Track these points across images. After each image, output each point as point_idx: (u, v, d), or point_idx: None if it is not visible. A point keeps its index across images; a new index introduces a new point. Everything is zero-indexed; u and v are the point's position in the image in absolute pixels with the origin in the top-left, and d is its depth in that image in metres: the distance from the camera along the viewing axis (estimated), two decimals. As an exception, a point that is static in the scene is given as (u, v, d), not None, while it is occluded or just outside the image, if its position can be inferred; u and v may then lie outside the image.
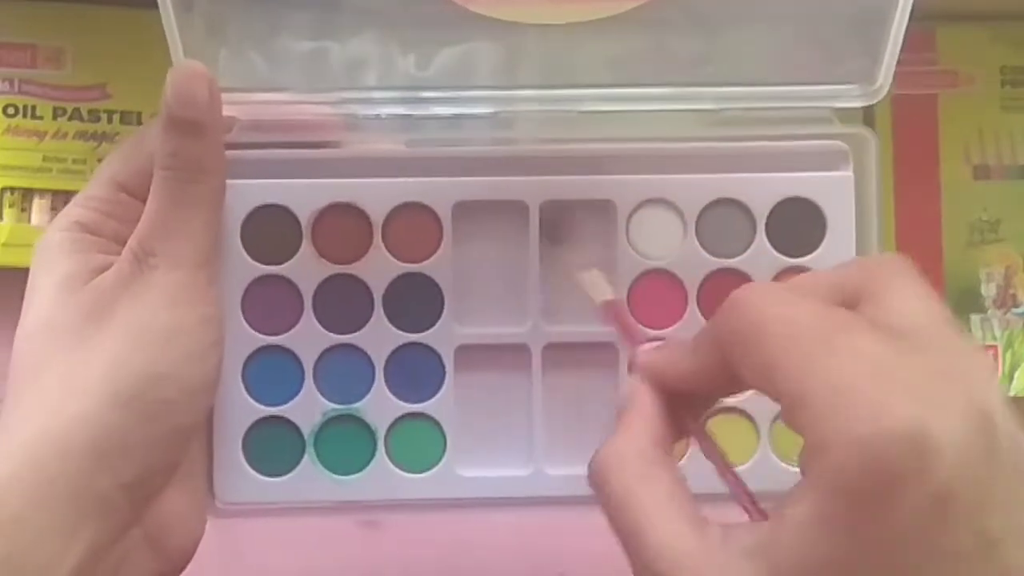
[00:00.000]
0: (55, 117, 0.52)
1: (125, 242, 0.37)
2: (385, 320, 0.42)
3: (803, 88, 0.41)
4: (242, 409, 0.42)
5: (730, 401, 0.41)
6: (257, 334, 0.42)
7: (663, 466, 0.31)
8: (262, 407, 0.42)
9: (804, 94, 0.41)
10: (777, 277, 0.42)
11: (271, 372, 0.42)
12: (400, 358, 0.42)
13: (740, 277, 0.42)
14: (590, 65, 0.41)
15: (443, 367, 0.42)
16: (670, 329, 0.42)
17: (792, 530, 0.27)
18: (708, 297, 0.42)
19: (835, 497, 0.27)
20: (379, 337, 0.42)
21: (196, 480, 0.40)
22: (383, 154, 0.42)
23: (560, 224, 0.42)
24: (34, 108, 0.52)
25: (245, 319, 0.42)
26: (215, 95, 0.38)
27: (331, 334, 0.42)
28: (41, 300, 0.37)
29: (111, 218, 0.39)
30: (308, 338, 0.42)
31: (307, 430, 0.42)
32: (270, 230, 0.42)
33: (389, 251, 0.42)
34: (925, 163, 0.54)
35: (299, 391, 0.42)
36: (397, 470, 0.42)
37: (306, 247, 0.42)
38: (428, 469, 0.42)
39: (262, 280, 0.42)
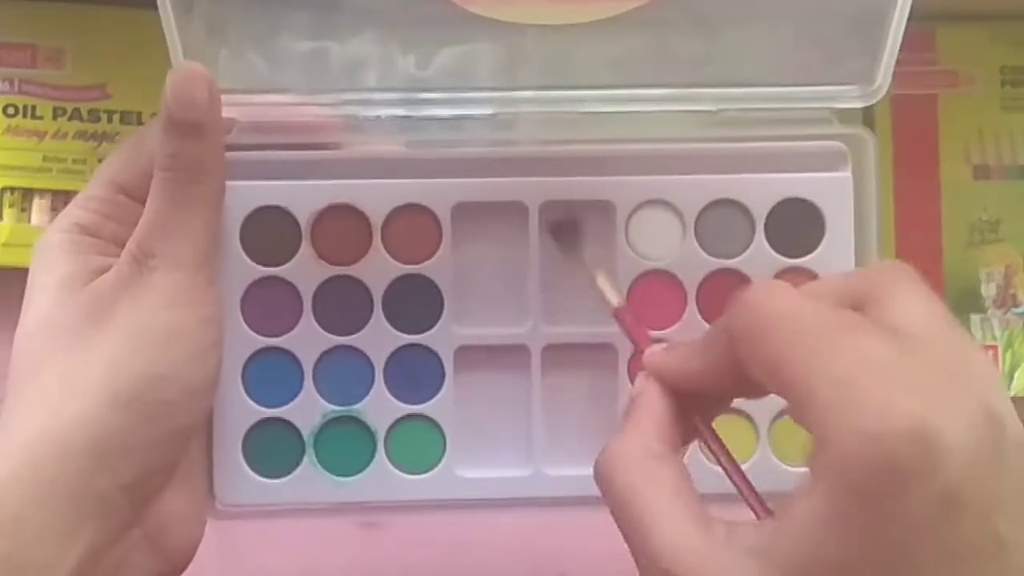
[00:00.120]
0: (55, 117, 0.52)
1: (124, 243, 0.37)
2: (385, 321, 0.42)
3: (802, 89, 0.41)
4: (242, 410, 0.42)
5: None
6: (257, 335, 0.42)
7: (669, 464, 0.32)
8: (262, 408, 0.42)
9: (803, 95, 0.41)
10: (776, 277, 0.42)
11: (271, 373, 0.42)
12: (400, 359, 0.42)
13: (739, 278, 0.42)
14: (590, 66, 0.41)
15: (443, 368, 0.42)
16: (670, 330, 0.42)
17: (798, 528, 0.27)
18: (707, 298, 0.42)
19: (842, 494, 0.26)
20: (379, 338, 0.42)
21: (196, 481, 0.40)
22: (382, 155, 0.42)
23: (572, 227, 0.42)
24: (34, 108, 0.52)
25: (245, 320, 0.42)
26: (215, 96, 0.38)
27: (331, 335, 0.42)
28: (41, 301, 0.37)
29: (110, 219, 0.39)
30: (308, 339, 0.42)
31: (307, 431, 0.42)
32: (270, 231, 0.42)
33: (389, 252, 0.42)
34: (925, 163, 0.54)
35: (299, 392, 0.42)
36: (397, 471, 0.42)
37: (305, 248, 0.42)
38: (428, 470, 0.42)
39: (262, 281, 0.42)
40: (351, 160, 0.42)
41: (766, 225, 0.42)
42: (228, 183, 0.39)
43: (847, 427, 0.26)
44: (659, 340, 0.37)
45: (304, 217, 0.42)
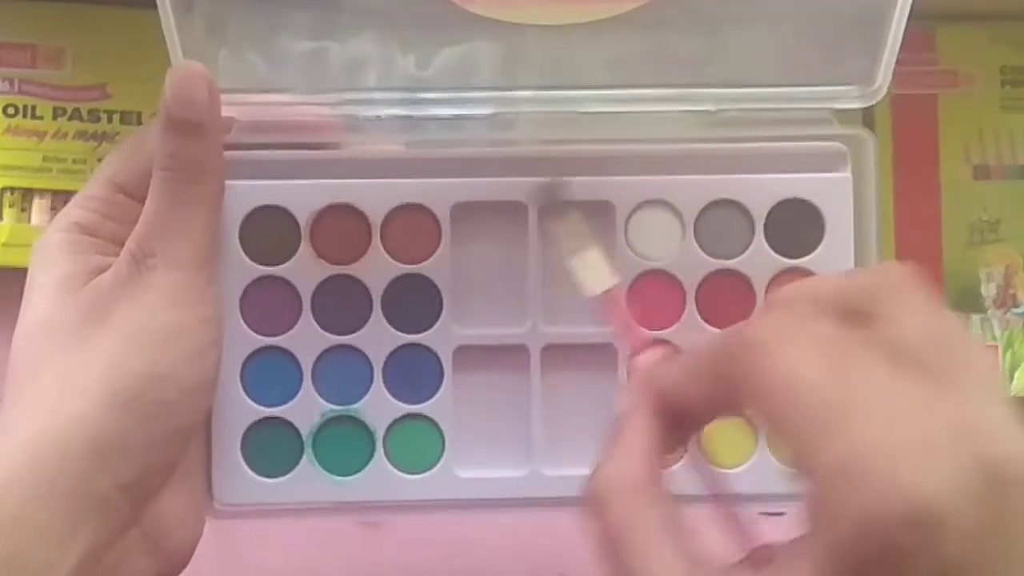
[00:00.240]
0: (55, 117, 0.52)
1: (123, 243, 0.37)
2: (384, 321, 0.42)
3: (802, 89, 0.41)
4: (241, 410, 0.42)
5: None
6: (256, 335, 0.42)
7: (660, 498, 0.31)
8: (261, 408, 0.42)
9: (803, 95, 0.41)
10: (776, 278, 0.42)
11: (270, 373, 0.42)
12: (399, 359, 0.42)
13: (739, 278, 0.42)
14: (589, 66, 0.41)
15: (442, 368, 0.42)
16: (669, 330, 0.42)
17: None
18: (707, 298, 0.42)
19: (836, 567, 0.26)
20: (378, 338, 0.42)
21: (194, 481, 0.40)
22: (382, 155, 0.42)
23: (554, 194, 0.41)
24: (34, 108, 0.52)
25: (244, 320, 0.42)
26: (214, 96, 0.38)
27: (330, 335, 0.42)
28: (40, 300, 0.37)
29: (109, 219, 0.39)
30: (307, 339, 0.42)
31: (306, 431, 0.42)
32: (269, 231, 0.42)
33: (388, 252, 0.42)
34: (925, 163, 0.54)
35: (298, 392, 0.42)
36: (396, 471, 0.42)
37: (305, 248, 0.42)
38: (427, 470, 0.42)
39: (261, 281, 0.42)
40: (350, 160, 0.42)
41: (766, 225, 0.42)
42: (227, 182, 0.39)
43: (846, 504, 0.26)
44: (656, 341, 0.36)
45: (303, 217, 0.42)
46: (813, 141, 0.42)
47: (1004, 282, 0.54)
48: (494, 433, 0.43)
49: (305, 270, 0.42)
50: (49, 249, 0.38)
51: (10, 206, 0.51)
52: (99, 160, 0.51)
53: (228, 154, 0.39)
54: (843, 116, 0.42)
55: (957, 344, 0.29)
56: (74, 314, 0.36)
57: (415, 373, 0.42)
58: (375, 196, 0.42)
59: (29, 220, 0.52)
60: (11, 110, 0.51)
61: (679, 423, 0.33)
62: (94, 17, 0.52)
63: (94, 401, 0.35)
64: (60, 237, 0.38)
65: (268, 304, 0.42)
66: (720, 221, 0.42)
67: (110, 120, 0.52)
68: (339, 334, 0.42)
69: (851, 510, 0.26)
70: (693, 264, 0.42)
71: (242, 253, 0.41)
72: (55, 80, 0.52)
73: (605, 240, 0.42)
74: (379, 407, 0.42)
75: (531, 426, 0.42)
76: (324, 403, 0.42)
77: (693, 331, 0.42)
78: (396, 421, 0.42)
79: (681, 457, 0.36)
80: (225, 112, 0.38)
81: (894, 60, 0.40)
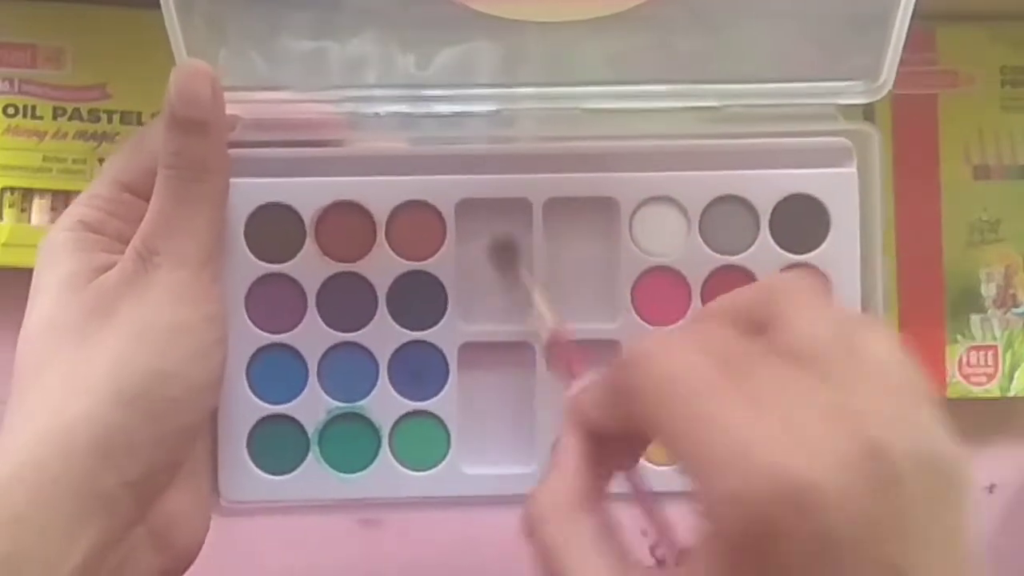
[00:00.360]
0: (55, 117, 0.52)
1: (128, 241, 0.38)
2: (389, 318, 0.42)
3: (806, 85, 0.41)
4: (246, 407, 0.41)
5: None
6: (261, 332, 0.41)
7: (590, 515, 0.31)
8: (266, 405, 0.41)
9: (807, 91, 0.41)
10: (781, 273, 0.42)
11: (275, 370, 0.42)
12: (404, 356, 0.42)
13: (744, 274, 0.42)
14: (592, 63, 0.42)
15: (447, 365, 0.42)
16: (674, 327, 0.42)
17: None
18: (712, 294, 0.42)
19: (723, 557, 0.27)
20: (383, 335, 0.42)
21: (200, 478, 0.40)
22: (386, 152, 0.42)
23: (511, 249, 0.42)
24: (34, 108, 0.52)
25: (249, 317, 0.41)
26: (218, 94, 0.38)
27: (335, 332, 0.42)
28: (44, 299, 0.37)
29: (114, 217, 0.39)
30: (312, 336, 0.42)
31: (311, 428, 0.42)
32: (273, 228, 0.41)
33: (392, 249, 0.42)
34: (925, 163, 0.54)
35: (303, 389, 0.42)
36: (401, 468, 0.42)
37: (309, 245, 0.42)
38: (432, 467, 0.42)
39: (266, 278, 0.42)
40: (355, 157, 0.42)
41: (771, 221, 0.42)
42: (232, 180, 0.40)
43: (719, 492, 0.27)
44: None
45: (308, 214, 0.41)
46: (818, 137, 0.42)
47: (1004, 282, 0.54)
48: (500, 430, 0.43)
49: (310, 267, 0.42)
50: (54, 247, 0.38)
51: (10, 206, 0.51)
52: (99, 160, 0.51)
53: (233, 152, 0.39)
54: (846, 113, 0.42)
55: (848, 341, 0.29)
56: (79, 312, 0.36)
57: (420, 370, 0.42)
58: (380, 193, 0.42)
59: (29, 220, 0.51)
60: (11, 110, 0.51)
61: (616, 442, 0.33)
62: (94, 17, 0.52)
63: (99, 399, 0.35)
64: (65, 236, 0.38)
65: (273, 302, 0.42)
66: (725, 217, 0.42)
67: (110, 120, 0.52)
68: (344, 331, 0.42)
69: (723, 496, 0.27)
70: (698, 260, 0.42)
71: (247, 251, 0.41)
72: (55, 80, 0.52)
73: (610, 237, 0.42)
74: (385, 404, 0.42)
75: (536, 422, 0.42)
76: (330, 400, 0.42)
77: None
78: (402, 418, 0.42)
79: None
80: (229, 110, 0.38)
81: (899, 55, 0.40)
